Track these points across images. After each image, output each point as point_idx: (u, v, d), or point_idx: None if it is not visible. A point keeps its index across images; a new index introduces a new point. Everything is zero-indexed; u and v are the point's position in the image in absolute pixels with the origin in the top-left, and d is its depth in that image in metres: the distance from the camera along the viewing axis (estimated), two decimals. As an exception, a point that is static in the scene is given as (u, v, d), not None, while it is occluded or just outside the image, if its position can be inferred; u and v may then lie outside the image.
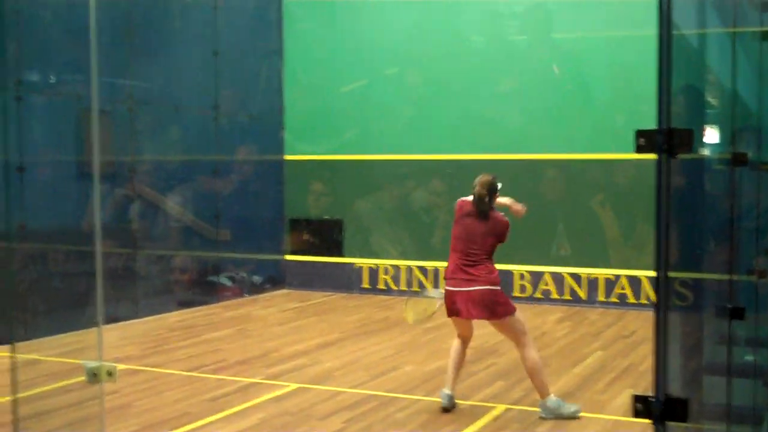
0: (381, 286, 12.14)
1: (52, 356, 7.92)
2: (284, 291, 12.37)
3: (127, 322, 9.75)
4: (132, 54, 10.17)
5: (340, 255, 12.40)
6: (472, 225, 6.18)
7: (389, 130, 12.23)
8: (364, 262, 12.23)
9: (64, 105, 9.21)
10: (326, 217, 12.53)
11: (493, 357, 8.05)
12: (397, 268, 12.05)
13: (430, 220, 12.00)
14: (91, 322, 8.46)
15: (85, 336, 8.54)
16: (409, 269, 11.98)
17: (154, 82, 10.68)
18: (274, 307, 11.12)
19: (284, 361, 7.88)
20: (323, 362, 7.89)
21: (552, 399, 6.12)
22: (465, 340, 6.40)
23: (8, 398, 6.32)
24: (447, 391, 6.30)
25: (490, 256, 6.17)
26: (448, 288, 6.15)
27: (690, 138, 2.60)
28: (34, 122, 8.94)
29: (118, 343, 8.61)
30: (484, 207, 6.17)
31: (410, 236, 12.11)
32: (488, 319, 6.12)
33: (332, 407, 6.39)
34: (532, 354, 6.09)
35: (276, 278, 12.56)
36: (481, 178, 6.23)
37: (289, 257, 12.75)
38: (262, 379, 7.20)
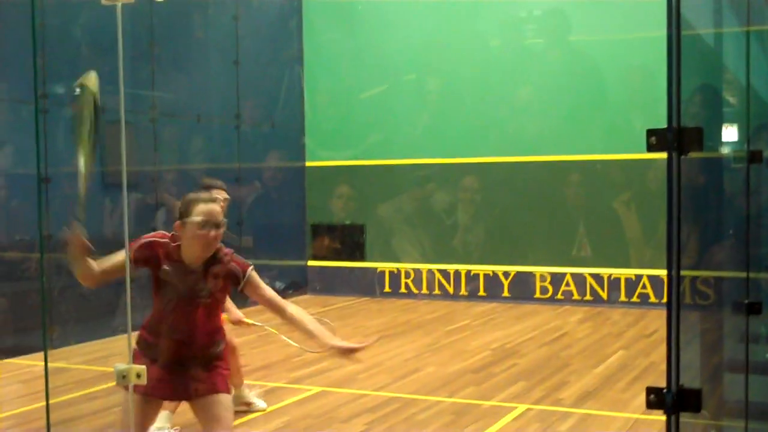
0: (403, 289, 12.19)
1: (80, 364, 8.02)
2: (307, 296, 12.45)
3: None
4: (154, 65, 10.30)
5: (362, 259, 12.47)
6: None
7: (409, 135, 12.30)
8: (385, 266, 12.29)
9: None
10: (348, 222, 12.60)
11: (515, 358, 8.08)
12: (418, 271, 12.10)
13: (450, 223, 12.05)
14: (117, 330, 8.60)
15: (112, 344, 8.68)
16: (431, 272, 12.02)
17: (176, 92, 10.80)
18: (297, 313, 11.18)
19: (307, 366, 7.94)
20: (346, 366, 7.94)
21: None
22: None
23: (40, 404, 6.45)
24: None
25: None
26: None
27: (699, 136, 2.63)
28: (59, 135, 9.06)
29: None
30: None
31: (431, 239, 12.15)
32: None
33: (355, 410, 6.45)
34: None
35: (299, 284, 12.65)
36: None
37: (311, 263, 12.83)
38: (285, 383, 7.27)
